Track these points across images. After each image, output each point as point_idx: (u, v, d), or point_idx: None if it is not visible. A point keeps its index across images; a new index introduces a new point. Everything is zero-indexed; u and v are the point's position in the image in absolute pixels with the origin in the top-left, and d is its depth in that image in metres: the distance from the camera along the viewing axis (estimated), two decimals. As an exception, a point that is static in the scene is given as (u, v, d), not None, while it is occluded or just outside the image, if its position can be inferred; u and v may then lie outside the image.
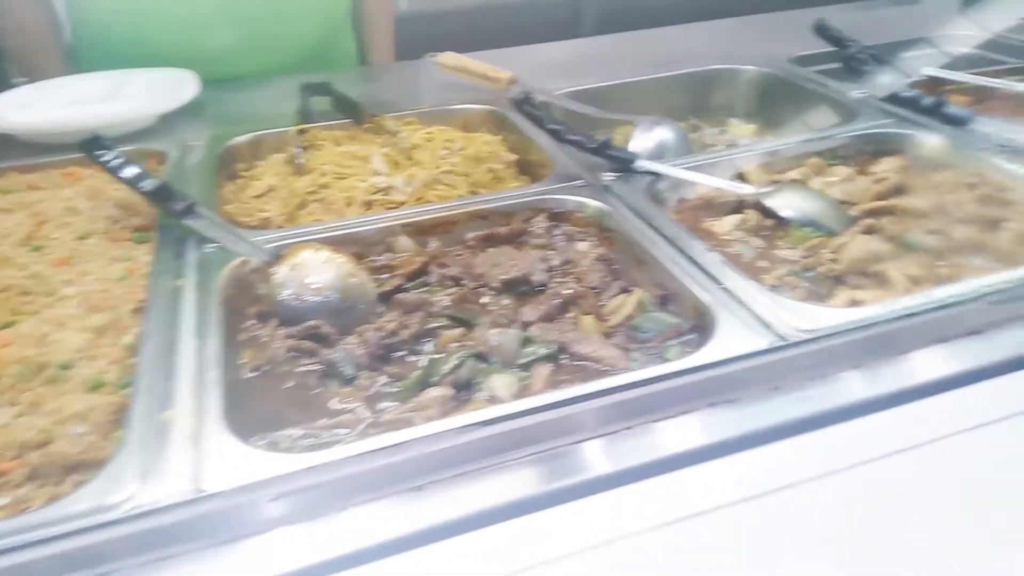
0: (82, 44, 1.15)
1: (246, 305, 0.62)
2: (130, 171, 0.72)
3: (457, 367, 0.51)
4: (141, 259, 0.67)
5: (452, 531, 0.41)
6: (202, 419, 0.47)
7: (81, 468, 0.45)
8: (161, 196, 0.69)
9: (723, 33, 1.31)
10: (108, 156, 0.73)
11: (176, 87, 0.98)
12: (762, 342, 0.49)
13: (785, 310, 0.51)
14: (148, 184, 0.70)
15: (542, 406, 0.45)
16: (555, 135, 0.79)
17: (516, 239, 0.71)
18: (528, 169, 0.87)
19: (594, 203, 0.70)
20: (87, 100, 0.97)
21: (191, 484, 0.42)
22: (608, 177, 0.75)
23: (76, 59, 1.15)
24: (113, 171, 0.72)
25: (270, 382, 0.54)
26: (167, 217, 0.70)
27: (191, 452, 0.44)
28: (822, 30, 1.01)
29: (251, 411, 0.50)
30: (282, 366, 0.55)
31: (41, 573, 0.39)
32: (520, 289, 0.63)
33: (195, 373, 0.51)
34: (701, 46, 1.20)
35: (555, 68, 1.15)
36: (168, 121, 0.96)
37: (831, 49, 1.03)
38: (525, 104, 0.81)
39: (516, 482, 0.44)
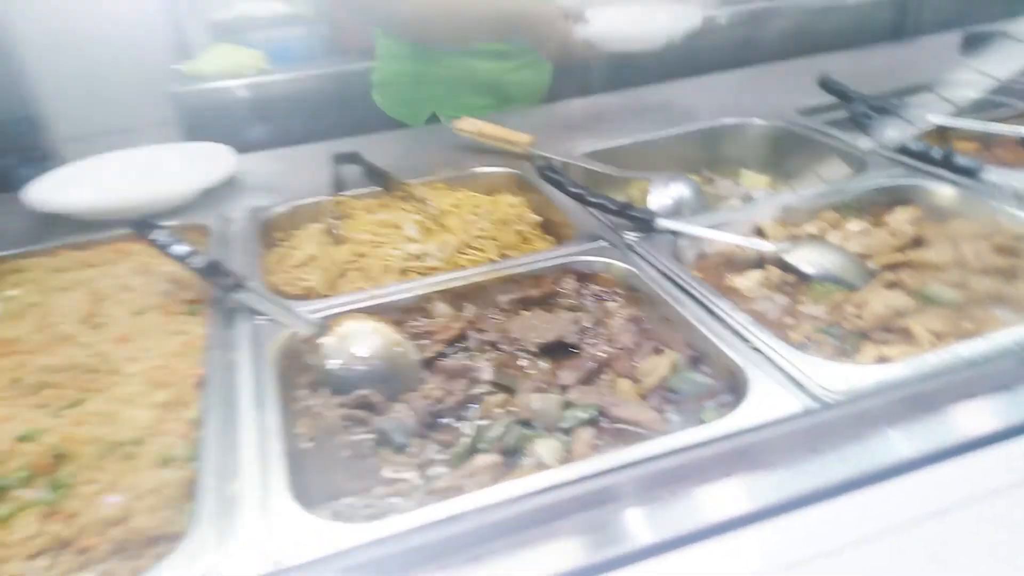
0: None
1: (297, 375, 0.65)
2: (180, 249, 0.76)
3: (504, 434, 0.54)
4: (195, 332, 0.70)
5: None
6: (268, 490, 0.50)
7: (159, 541, 0.48)
8: (210, 272, 0.74)
9: (729, 86, 1.37)
10: (158, 235, 0.77)
11: (213, 161, 1.03)
12: (796, 403, 0.51)
13: (816, 369, 0.54)
14: (197, 261, 0.74)
15: (590, 475, 0.48)
16: (578, 199, 0.83)
17: (547, 301, 0.74)
18: (552, 229, 0.91)
19: (620, 264, 0.74)
20: (129, 179, 1.02)
21: (264, 555, 0.45)
22: (630, 237, 0.79)
23: None
24: (163, 250, 0.76)
25: (326, 451, 0.57)
26: (217, 292, 0.74)
27: (261, 523, 0.47)
28: (827, 84, 1.06)
29: (312, 481, 0.53)
30: (336, 435, 0.58)
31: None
32: (555, 352, 0.66)
33: (257, 444, 0.54)
34: (709, 100, 1.25)
35: (569, 127, 1.20)
36: (205, 193, 1.01)
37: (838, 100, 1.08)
38: (547, 170, 0.85)
39: (566, 551, 0.45)
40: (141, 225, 0.78)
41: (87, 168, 1.05)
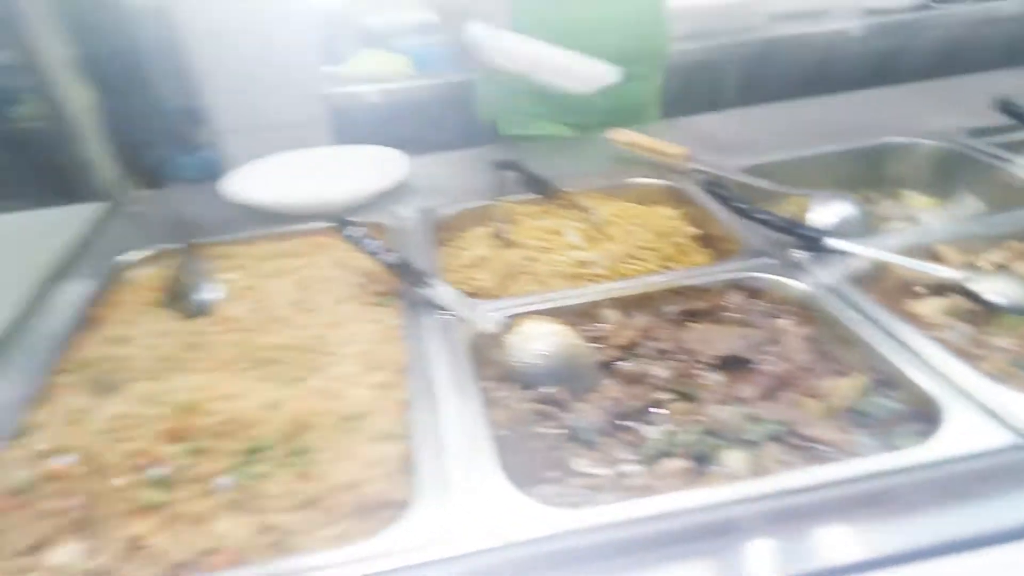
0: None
1: (483, 368, 0.70)
2: (373, 245, 0.84)
3: (695, 441, 0.57)
4: (388, 322, 0.78)
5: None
6: (481, 470, 0.55)
7: (386, 507, 0.54)
8: (399, 268, 0.81)
9: (888, 102, 1.32)
10: (354, 232, 0.86)
11: (387, 164, 1.12)
12: (998, 436, 0.51)
13: (1018, 403, 0.54)
14: (389, 257, 0.82)
15: (788, 489, 0.50)
16: (742, 213, 0.85)
17: (713, 314, 0.76)
18: (709, 242, 0.93)
19: (794, 283, 0.75)
20: (312, 177, 1.13)
21: (486, 529, 0.50)
22: (797, 255, 0.80)
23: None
24: (358, 245, 0.85)
25: (520, 441, 0.62)
26: (407, 286, 0.81)
27: (478, 499, 0.53)
28: (1006, 106, 1.01)
29: (512, 466, 0.58)
30: (526, 426, 0.63)
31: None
32: (730, 365, 0.68)
33: (463, 428, 0.60)
34: (868, 116, 1.22)
35: (723, 140, 1.20)
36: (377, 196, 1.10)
37: (1011, 123, 1.03)
38: (711, 184, 0.87)
39: (765, 561, 0.48)
40: (339, 222, 0.87)
41: (274, 164, 1.17)
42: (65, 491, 0.53)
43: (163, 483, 0.54)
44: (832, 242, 0.79)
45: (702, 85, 2.30)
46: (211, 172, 1.20)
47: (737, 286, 0.78)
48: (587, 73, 1.14)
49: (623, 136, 1.11)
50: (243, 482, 0.54)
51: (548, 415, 0.64)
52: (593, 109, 1.32)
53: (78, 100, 1.03)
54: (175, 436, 0.57)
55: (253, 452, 0.56)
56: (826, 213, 0.92)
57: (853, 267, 0.78)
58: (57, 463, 0.55)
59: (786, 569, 0.47)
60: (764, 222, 0.82)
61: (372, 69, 1.93)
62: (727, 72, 2.35)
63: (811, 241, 0.80)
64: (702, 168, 1.03)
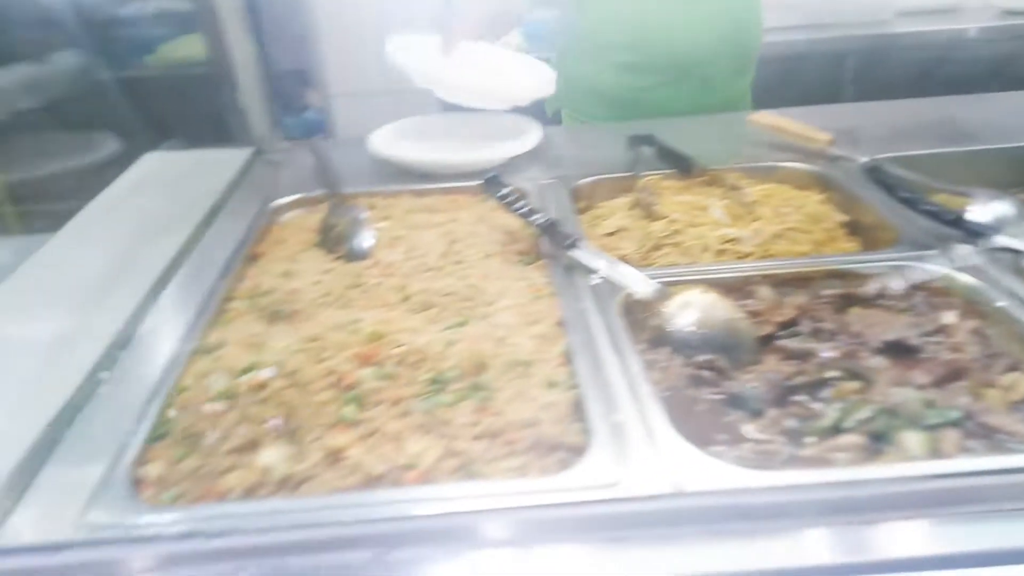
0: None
1: (635, 331, 0.72)
2: (523, 206, 0.86)
3: (872, 419, 0.57)
4: (535, 280, 0.80)
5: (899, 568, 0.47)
6: (650, 425, 0.56)
7: (560, 449, 0.56)
8: (549, 230, 0.83)
9: (1018, 106, 1.26)
10: (505, 192, 0.88)
11: (521, 130, 1.14)
12: None
13: None
14: (539, 219, 0.84)
15: (973, 471, 0.50)
16: (907, 203, 0.82)
17: (871, 301, 0.75)
18: (856, 231, 0.91)
19: (963, 277, 0.73)
20: (455, 138, 1.15)
21: (664, 478, 0.51)
22: (963, 250, 0.77)
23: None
24: (509, 205, 0.87)
25: (682, 403, 0.63)
26: (553, 248, 0.83)
27: (652, 451, 0.54)
28: None
29: (681, 425, 0.59)
30: (686, 390, 0.64)
31: (557, 527, 0.50)
32: (896, 352, 0.67)
33: (627, 384, 0.61)
34: (998, 118, 1.17)
35: (851, 132, 1.16)
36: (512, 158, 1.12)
37: None
38: (874, 171, 0.85)
39: (949, 537, 0.48)
40: (491, 182, 0.89)
41: (415, 124, 1.20)
42: (268, 400, 0.57)
43: (358, 402, 0.57)
44: (1004, 239, 0.76)
45: (818, 76, 2.23)
46: (315, 134, 1.24)
47: (898, 275, 0.76)
48: (510, 90, 1.12)
49: (766, 119, 1.09)
50: (430, 408, 0.57)
51: (709, 381, 0.64)
52: (671, 109, 1.32)
53: (243, 48, 1.08)
54: (366, 361, 0.60)
55: (436, 383, 0.59)
56: (985, 212, 0.89)
57: (1021, 265, 0.75)
58: (258, 376, 0.59)
59: (976, 546, 0.47)
60: (931, 214, 0.80)
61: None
62: (844, 65, 2.27)
63: (979, 237, 0.77)
64: (849, 156, 1.00)
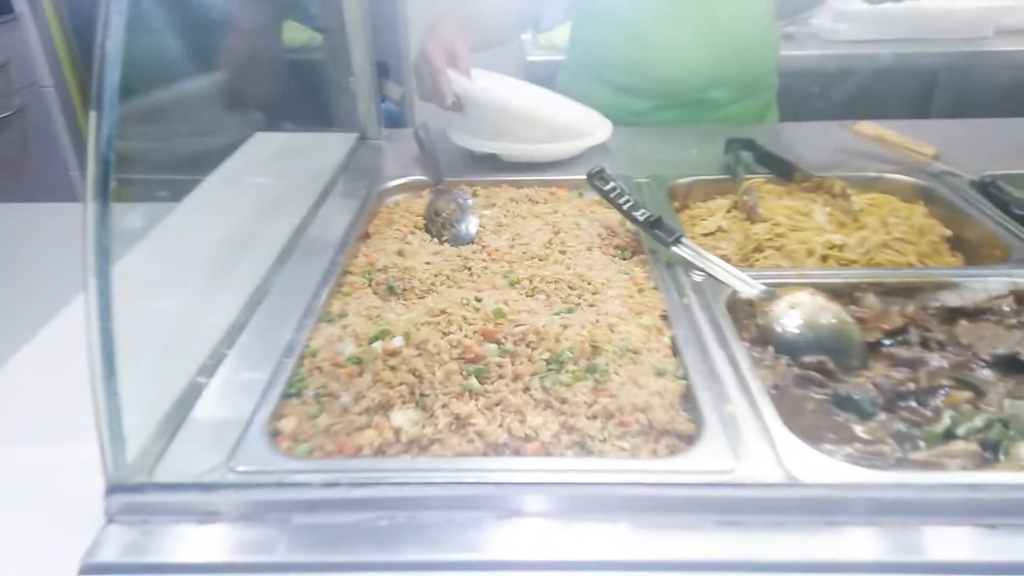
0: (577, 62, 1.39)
1: (739, 329, 0.73)
2: (627, 201, 0.88)
3: (986, 427, 0.57)
4: (636, 274, 0.82)
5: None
6: (761, 418, 0.58)
7: (670, 435, 0.59)
8: (653, 225, 0.84)
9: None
10: (609, 186, 0.90)
11: (593, 123, 1.15)
12: None
13: None
14: (642, 214, 0.86)
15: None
16: (1021, 220, 0.81)
17: (979, 316, 0.74)
18: (960, 245, 0.89)
19: (1081, 297, 0.72)
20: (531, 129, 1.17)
21: (779, 468, 0.53)
22: (1078, 271, 0.76)
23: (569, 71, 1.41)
24: (613, 200, 0.89)
25: (791, 400, 0.64)
26: (654, 243, 0.85)
27: (765, 443, 0.56)
28: None
29: (792, 421, 0.60)
30: (793, 389, 0.65)
31: (672, 507, 0.52)
32: (1007, 366, 0.66)
33: (735, 378, 0.63)
34: None
35: (965, 147, 1.13)
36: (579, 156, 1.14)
37: None
38: (989, 187, 0.84)
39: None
40: (595, 176, 0.92)
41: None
42: (398, 367, 0.61)
43: (481, 375, 0.61)
44: (1125, 261, 0.74)
45: (910, 91, 2.18)
46: (393, 125, 1.27)
47: (1008, 291, 0.75)
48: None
49: (869, 129, 1.08)
50: (549, 386, 0.60)
51: (816, 382, 0.65)
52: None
53: (358, 33, 1.14)
54: (488, 337, 0.64)
55: (554, 362, 0.62)
56: (1100, 234, 0.87)
57: None
58: (391, 343, 0.63)
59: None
60: (1046, 232, 0.79)
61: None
62: (938, 80, 2.21)
63: (1096, 257, 0.76)
64: (954, 171, 0.99)
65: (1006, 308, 0.74)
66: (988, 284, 0.76)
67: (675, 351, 0.68)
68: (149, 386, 0.62)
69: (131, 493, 0.53)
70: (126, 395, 0.52)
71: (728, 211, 0.95)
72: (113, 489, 0.53)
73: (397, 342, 0.63)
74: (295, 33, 2.15)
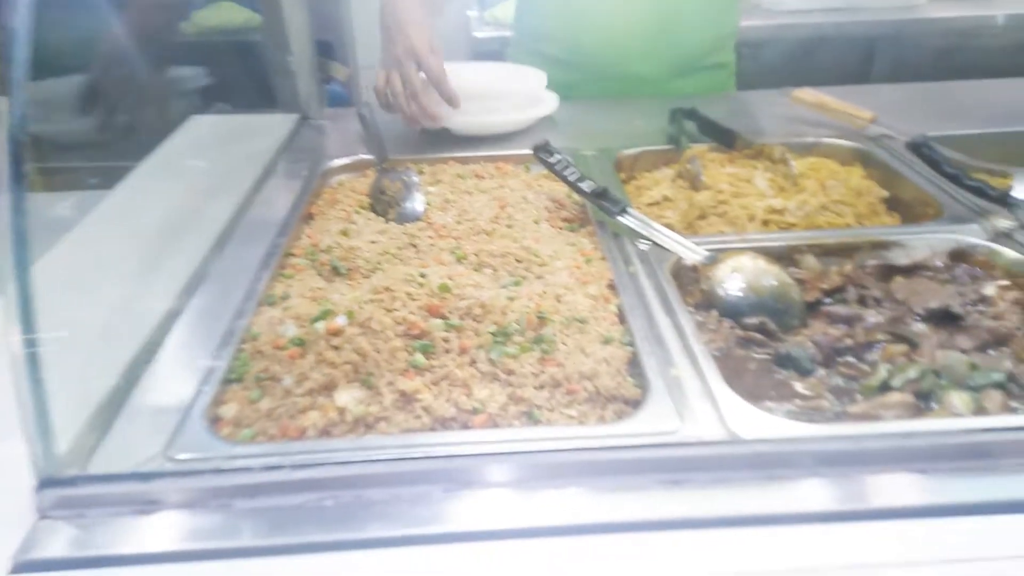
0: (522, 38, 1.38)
1: (684, 295, 0.74)
2: (573, 173, 0.88)
3: (919, 378, 0.59)
4: (583, 244, 0.82)
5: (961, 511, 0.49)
6: (705, 380, 0.59)
7: (617, 400, 0.59)
8: (599, 196, 0.85)
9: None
10: (555, 159, 0.90)
11: (538, 98, 1.15)
12: None
13: None
14: (588, 186, 0.86)
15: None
16: (952, 179, 0.84)
17: (914, 272, 0.77)
18: (896, 206, 0.92)
19: (1006, 250, 0.74)
20: (479, 99, 1.15)
21: (722, 427, 0.54)
22: (1005, 224, 0.79)
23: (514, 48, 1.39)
24: (559, 173, 0.89)
25: (734, 362, 0.65)
26: (601, 214, 0.85)
27: (708, 404, 0.56)
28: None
29: (734, 381, 0.61)
30: (736, 350, 0.67)
31: (620, 469, 0.53)
32: (939, 319, 0.69)
33: (679, 342, 0.64)
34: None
35: (901, 110, 1.16)
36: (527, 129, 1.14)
37: None
38: (919, 147, 0.87)
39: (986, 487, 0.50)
40: (541, 149, 0.91)
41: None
42: (342, 347, 0.60)
43: (427, 350, 0.60)
44: (1048, 215, 0.77)
45: (848, 58, 2.23)
46: (339, 105, 1.24)
47: (941, 248, 0.78)
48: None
49: (808, 96, 1.10)
50: (495, 358, 0.60)
51: (758, 343, 0.67)
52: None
53: (294, 12, 1.10)
54: (434, 312, 0.63)
55: (500, 335, 0.62)
56: (1025, 190, 0.90)
57: (1066, 242, 0.76)
58: (334, 322, 0.62)
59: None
60: (976, 190, 0.81)
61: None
62: (875, 48, 2.26)
63: (1022, 212, 0.79)
64: (891, 134, 1.01)
65: (939, 264, 0.76)
66: (922, 241, 0.78)
67: (622, 319, 0.68)
68: (81, 377, 0.59)
69: (64, 487, 0.51)
70: (55, 387, 0.50)
71: (673, 180, 0.96)
72: (45, 483, 0.50)
73: (340, 321, 0.62)
74: (232, 14, 2.08)
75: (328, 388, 0.58)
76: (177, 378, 0.62)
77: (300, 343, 0.62)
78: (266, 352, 0.62)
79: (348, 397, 0.57)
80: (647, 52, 1.27)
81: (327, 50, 3.00)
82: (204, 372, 0.62)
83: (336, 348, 0.60)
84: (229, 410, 0.58)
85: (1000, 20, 2.27)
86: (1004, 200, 0.80)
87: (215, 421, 0.58)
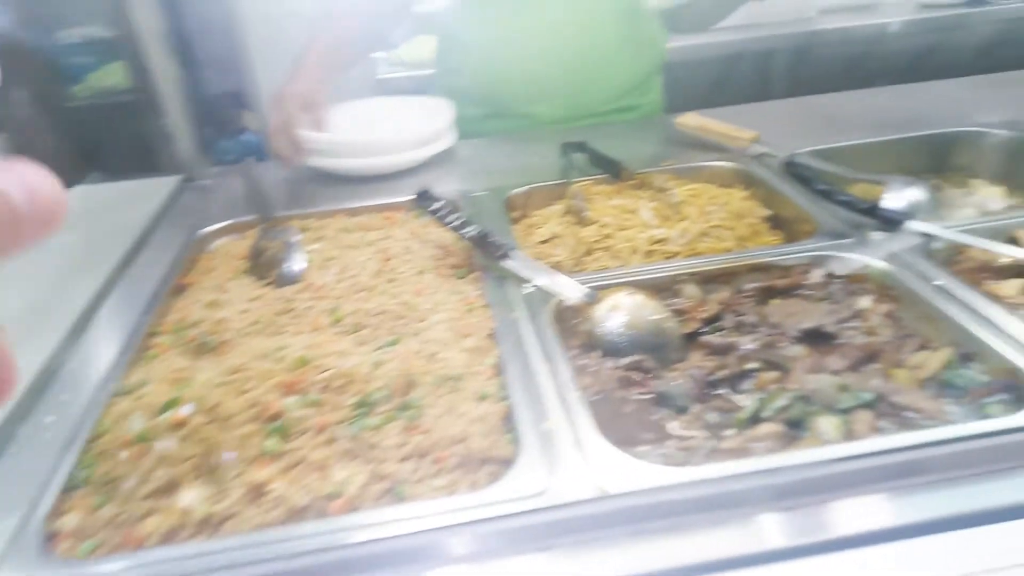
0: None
1: (567, 338, 0.72)
2: (455, 219, 0.86)
3: (788, 406, 0.58)
4: (469, 292, 0.80)
5: (822, 550, 0.48)
6: (577, 430, 0.57)
7: (490, 462, 0.56)
8: (481, 242, 0.83)
9: (935, 95, 1.31)
10: (437, 206, 0.88)
11: (435, 135, 1.14)
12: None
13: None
14: (471, 231, 0.84)
15: (884, 450, 0.52)
16: (823, 195, 0.85)
17: (792, 292, 0.77)
18: (779, 224, 0.93)
19: (876, 262, 0.75)
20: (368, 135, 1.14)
21: (590, 482, 0.52)
22: (876, 236, 0.80)
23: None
24: (441, 219, 0.87)
25: (611, 405, 0.63)
26: (486, 259, 0.83)
27: (579, 456, 0.54)
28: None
29: (606, 428, 0.59)
30: (615, 392, 0.65)
31: (484, 542, 0.50)
32: (814, 339, 0.69)
33: (556, 391, 0.62)
34: (917, 108, 1.21)
35: (778, 128, 1.19)
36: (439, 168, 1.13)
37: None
38: (791, 166, 0.88)
39: (862, 516, 0.50)
40: (423, 197, 0.89)
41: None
42: (186, 438, 0.56)
43: (282, 432, 0.56)
44: (915, 224, 0.79)
45: (748, 75, 2.29)
46: (253, 155, 1.22)
47: (816, 265, 0.78)
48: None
49: (692, 120, 1.12)
50: (356, 433, 0.56)
51: (636, 382, 0.65)
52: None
53: (166, 74, 1.06)
54: (290, 389, 0.59)
55: (363, 405, 0.59)
56: (899, 198, 0.92)
57: (932, 249, 0.78)
58: (177, 413, 0.57)
59: (887, 522, 0.48)
60: (846, 204, 0.82)
61: (425, 54, 1.95)
62: (774, 63, 2.34)
63: (892, 224, 0.80)
64: (771, 152, 1.03)
65: (813, 282, 0.77)
66: (798, 260, 0.79)
67: (499, 371, 0.66)
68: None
69: None
70: None
71: (561, 216, 0.95)
72: None
73: (185, 410, 0.57)
74: (108, 75, 2.01)
75: (170, 488, 0.53)
76: (10, 491, 0.56)
77: (146, 438, 0.57)
78: (111, 451, 0.57)
79: (192, 496, 0.53)
80: (549, 95, 1.28)
81: (237, 100, 2.96)
82: (43, 481, 0.56)
83: (181, 441, 0.56)
84: (70, 521, 0.53)
85: (894, 28, 2.37)
86: (873, 212, 0.81)
87: (54, 535, 0.53)
